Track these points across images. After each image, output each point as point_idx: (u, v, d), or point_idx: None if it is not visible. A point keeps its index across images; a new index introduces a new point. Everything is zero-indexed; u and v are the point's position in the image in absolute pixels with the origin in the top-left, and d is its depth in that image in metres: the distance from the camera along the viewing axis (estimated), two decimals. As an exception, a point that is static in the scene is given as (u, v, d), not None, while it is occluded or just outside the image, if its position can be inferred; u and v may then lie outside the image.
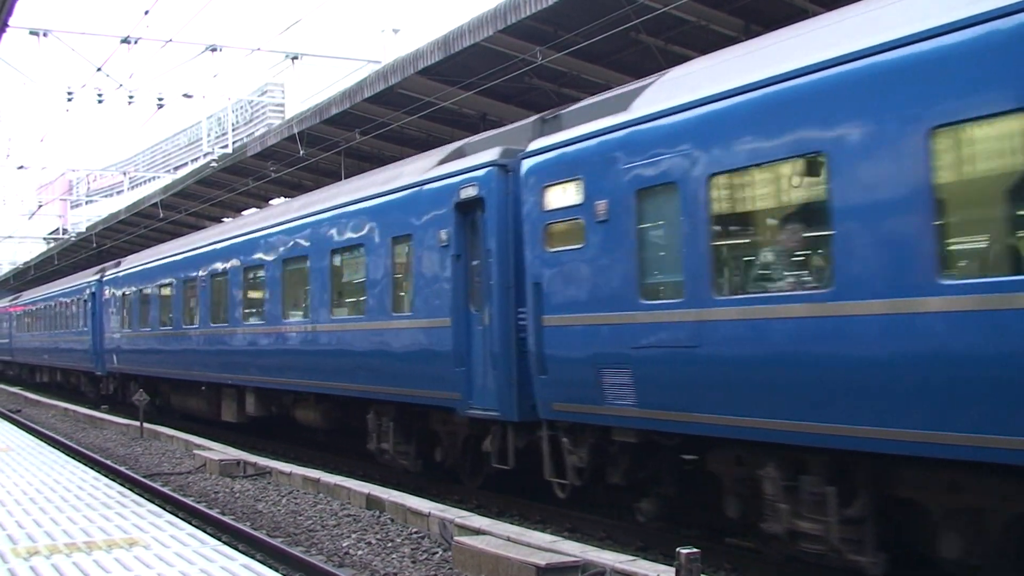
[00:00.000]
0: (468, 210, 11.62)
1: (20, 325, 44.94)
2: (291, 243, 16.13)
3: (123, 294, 26.47)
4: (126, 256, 31.05)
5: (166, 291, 22.90)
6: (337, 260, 14.86)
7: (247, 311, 17.97)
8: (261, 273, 17.35)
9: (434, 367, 12.00)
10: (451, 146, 13.28)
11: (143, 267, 25.20)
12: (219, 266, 19.31)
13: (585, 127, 9.64)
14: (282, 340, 16.23)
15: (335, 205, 14.95)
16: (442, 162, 12.49)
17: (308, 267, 15.41)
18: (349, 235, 14.28)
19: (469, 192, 11.46)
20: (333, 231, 14.78)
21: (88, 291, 30.43)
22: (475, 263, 11.60)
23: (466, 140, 13.04)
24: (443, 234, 11.89)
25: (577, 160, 9.58)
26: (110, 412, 27.02)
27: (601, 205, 9.17)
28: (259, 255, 17.35)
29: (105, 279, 28.74)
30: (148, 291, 24.29)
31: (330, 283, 14.95)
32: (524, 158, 10.45)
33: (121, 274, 27.17)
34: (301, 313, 15.88)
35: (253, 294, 17.95)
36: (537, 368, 10.05)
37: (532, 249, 10.19)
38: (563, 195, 9.73)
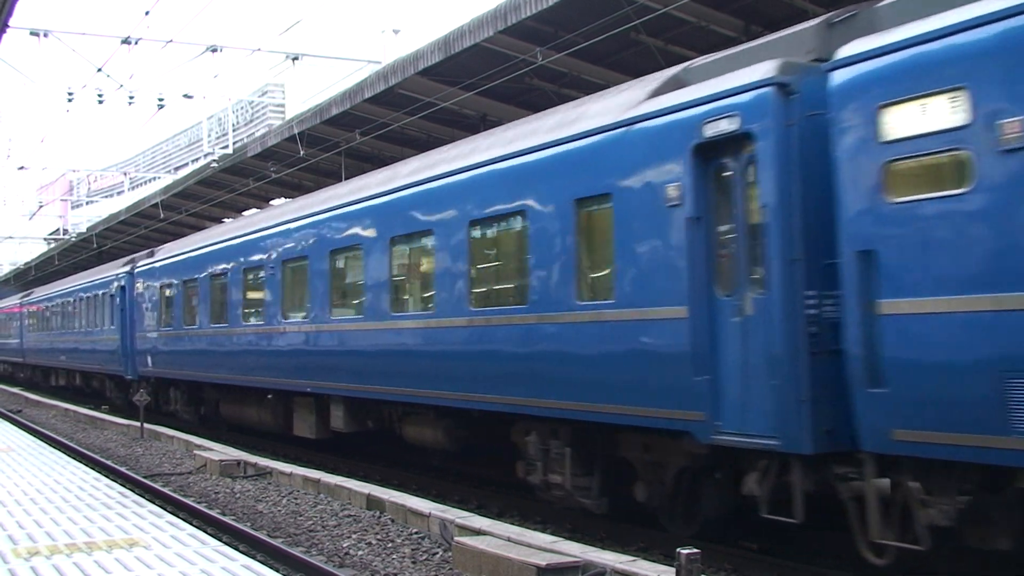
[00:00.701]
0: (714, 154, 8.47)
1: (32, 324, 42.04)
2: (403, 217, 12.98)
3: (161, 287, 23.13)
4: (153, 248, 29.07)
5: (220, 282, 19.43)
6: (478, 233, 11.59)
7: (337, 304, 14.89)
8: (355, 257, 14.26)
9: (651, 374, 8.84)
10: (658, 76, 9.87)
11: (189, 255, 21.58)
12: (296, 250, 16.00)
13: (971, 8, 6.66)
14: (390, 339, 13.18)
15: (472, 164, 11.65)
16: (656, 94, 9.18)
17: (431, 246, 12.33)
18: (499, 203, 11.00)
19: (722, 127, 8.28)
20: (470, 198, 11.54)
21: (116, 285, 27.17)
22: (722, 229, 8.45)
23: (683, 66, 9.75)
24: (670, 190, 8.65)
25: (956, 59, 6.60)
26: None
27: (1013, 125, 6.24)
28: (353, 232, 14.21)
29: (138, 271, 25.37)
30: (195, 282, 20.84)
31: (468, 265, 11.54)
32: (835, 68, 7.35)
33: (158, 264, 23.71)
34: (417, 306, 12.89)
35: (344, 284, 14.98)
36: (865, 377, 7.00)
37: (856, 202, 7.13)
38: (923, 116, 6.80)
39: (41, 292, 41.53)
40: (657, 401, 8.76)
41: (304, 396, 16.13)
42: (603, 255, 9.69)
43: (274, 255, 16.73)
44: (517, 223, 10.83)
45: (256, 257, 17.54)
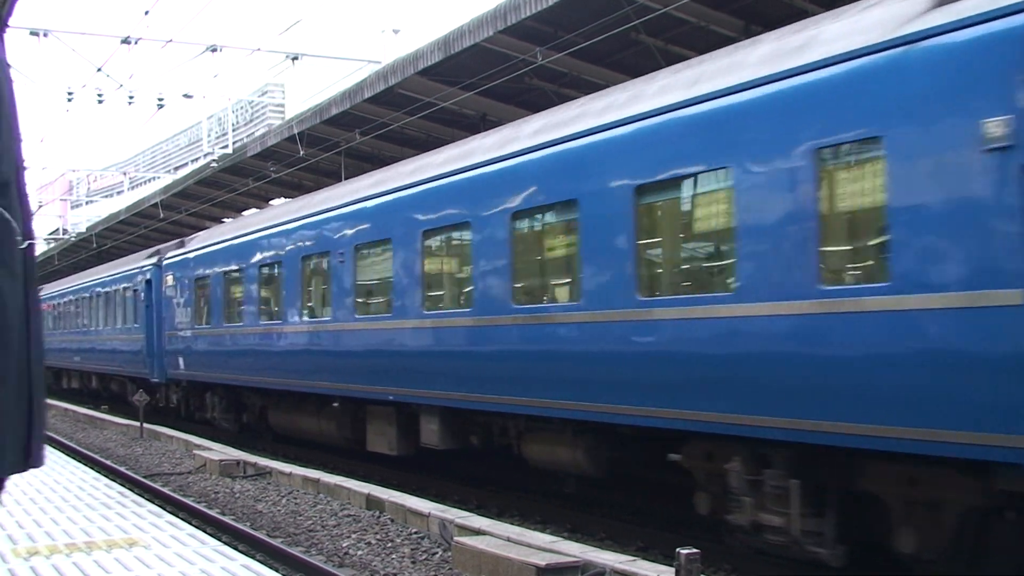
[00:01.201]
0: None
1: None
2: (537, 185, 10.19)
3: (196, 280, 20.56)
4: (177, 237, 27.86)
5: (272, 272, 16.88)
6: (686, 193, 8.75)
7: (433, 296, 12.31)
8: (458, 239, 11.86)
9: (952, 382, 6.38)
10: None
11: (232, 243, 18.88)
12: (374, 232, 13.45)
13: None
14: (509, 338, 10.57)
15: (647, 112, 8.91)
16: (943, 2, 6.83)
17: (579, 219, 9.57)
18: (698, 161, 8.41)
19: None
20: (635, 159, 8.97)
21: (140, 279, 24.80)
22: None
23: None
24: (991, 127, 6.19)
25: None
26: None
27: None
28: (456, 210, 11.55)
29: (167, 263, 22.77)
30: (240, 274, 18.21)
31: (634, 243, 8.94)
32: None
33: (192, 255, 21.08)
34: (558, 296, 10.36)
35: (442, 271, 12.49)
36: None
37: None
38: None
39: (51, 289, 38.87)
40: (949, 420, 6.35)
41: (382, 405, 13.64)
42: (866, 223, 7.29)
43: (344, 239, 14.11)
44: (717, 180, 8.28)
45: (320, 242, 14.94)
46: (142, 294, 24.47)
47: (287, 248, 16.12)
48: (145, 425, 21.46)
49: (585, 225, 9.46)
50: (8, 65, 2.19)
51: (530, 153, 10.32)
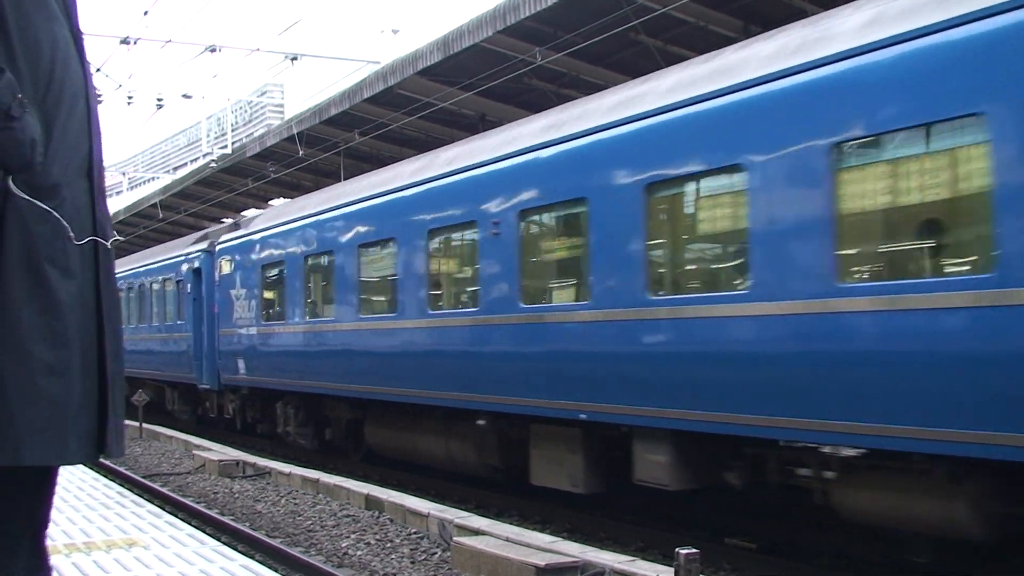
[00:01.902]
0: None
1: None
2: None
3: (267, 266, 16.90)
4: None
5: (381, 253, 13.29)
6: None
7: (672, 278, 8.93)
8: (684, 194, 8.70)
9: None
10: None
11: (316, 219, 15.07)
12: (557, 189, 9.88)
13: None
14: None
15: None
16: None
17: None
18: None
19: None
20: None
21: (186, 268, 21.39)
22: None
23: None
24: None
25: None
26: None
27: None
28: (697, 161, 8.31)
29: (222, 247, 19.16)
30: (329, 257, 14.53)
31: None
32: None
33: (258, 236, 17.36)
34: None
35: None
36: None
37: None
38: None
39: None
40: None
41: (563, 425, 10.15)
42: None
43: (502, 204, 10.52)
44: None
45: (464, 209, 11.29)
46: (188, 285, 21.06)
47: (407, 220, 12.36)
48: (144, 425, 21.45)
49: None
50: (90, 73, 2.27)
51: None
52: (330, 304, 14.79)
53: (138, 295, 25.95)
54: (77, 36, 2.22)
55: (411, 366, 12.32)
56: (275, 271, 16.83)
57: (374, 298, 13.69)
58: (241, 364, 17.89)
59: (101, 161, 2.24)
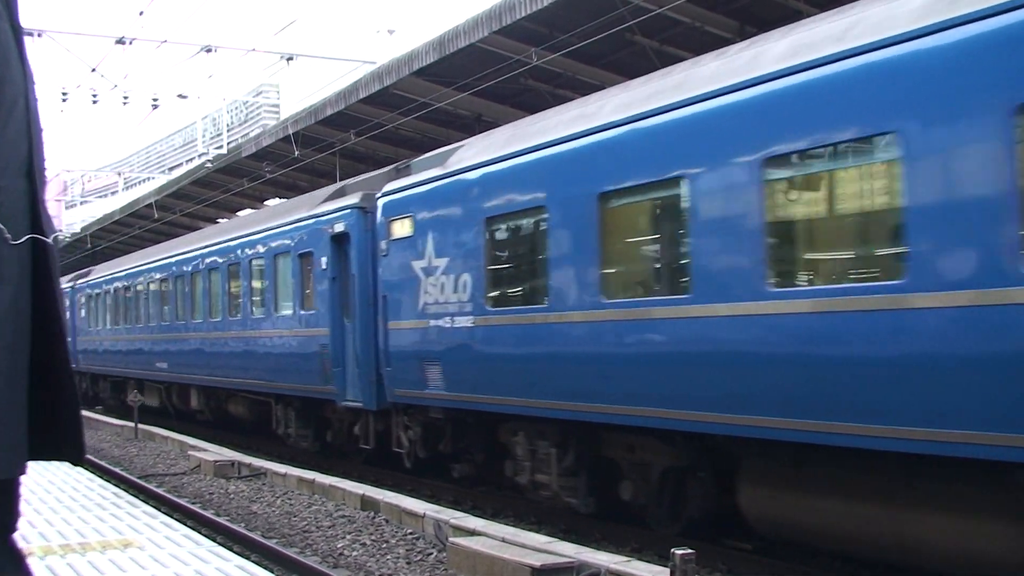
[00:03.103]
0: None
1: (94, 314, 30.14)
2: None
3: (492, 220, 10.99)
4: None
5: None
6: None
7: None
8: None
9: None
10: None
11: (599, 135, 9.33)
12: None
13: None
14: None
15: None
16: None
17: None
18: None
19: None
20: None
21: (318, 235, 15.15)
22: None
23: None
24: None
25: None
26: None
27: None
28: None
29: (390, 199, 13.00)
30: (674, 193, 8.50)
31: None
32: None
33: (478, 173, 11.26)
34: None
35: None
36: None
37: None
38: None
39: (117, 267, 28.58)
40: None
41: None
42: None
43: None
44: None
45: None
46: (322, 260, 14.91)
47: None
48: (140, 426, 21.41)
49: None
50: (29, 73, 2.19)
51: None
52: (680, 275, 8.55)
53: (226, 276, 19.09)
54: (18, 32, 2.15)
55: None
56: (522, 223, 10.68)
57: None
58: (435, 375, 11.78)
59: (43, 161, 2.18)
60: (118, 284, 27.30)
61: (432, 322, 11.89)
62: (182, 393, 22.83)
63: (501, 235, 11.10)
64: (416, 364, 12.24)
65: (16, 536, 2.25)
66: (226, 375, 19.02)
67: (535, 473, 10.84)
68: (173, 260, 22.59)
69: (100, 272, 30.39)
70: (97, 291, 29.70)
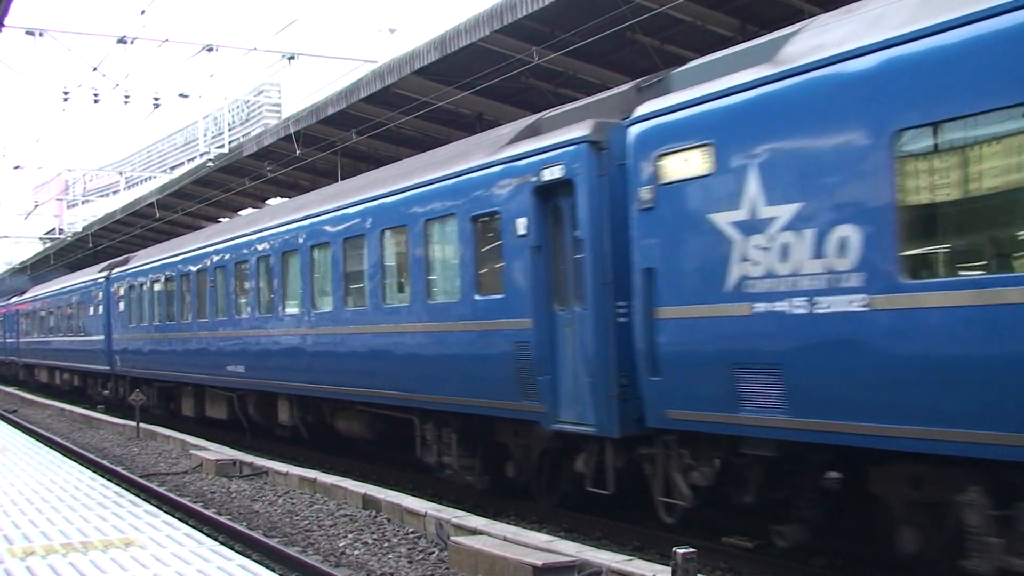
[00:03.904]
0: None
1: (137, 305, 24.52)
2: None
3: (912, 143, 6.64)
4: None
5: None
6: None
7: None
8: None
9: None
10: None
11: None
12: None
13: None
14: None
15: None
16: None
17: None
18: None
19: None
20: None
21: (516, 183, 10.71)
22: None
23: None
24: None
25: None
26: None
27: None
28: None
29: (677, 115, 8.63)
30: None
31: None
32: None
33: (869, 61, 6.89)
34: None
35: None
36: None
37: None
38: None
39: (170, 251, 23.00)
40: None
41: None
42: None
43: None
44: None
45: None
46: (519, 223, 10.64)
47: None
48: (141, 425, 21.42)
49: None
50: None
51: None
52: None
53: (339, 253, 14.39)
54: None
55: None
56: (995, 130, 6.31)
57: None
58: (765, 386, 7.76)
59: None
60: (171, 271, 21.97)
61: (759, 306, 7.76)
62: (264, 403, 18.02)
63: (933, 157, 6.61)
64: (720, 372, 8.15)
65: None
66: (338, 382, 14.45)
67: None
68: (253, 238, 17.57)
69: (145, 258, 24.88)
70: (141, 280, 24.21)
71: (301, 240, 15.64)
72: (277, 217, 17.14)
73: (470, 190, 11.46)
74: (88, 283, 29.59)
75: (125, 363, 25.59)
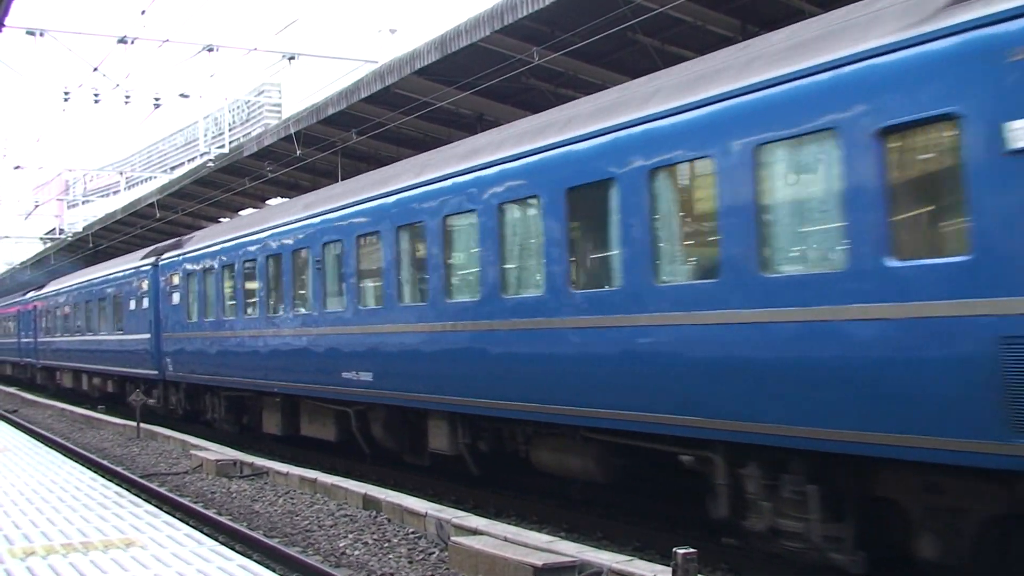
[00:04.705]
0: None
1: (196, 296, 20.03)
2: None
3: None
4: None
5: None
6: None
7: None
8: None
9: None
10: None
11: None
12: None
13: None
14: None
15: None
16: None
17: None
18: None
19: None
20: None
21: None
22: None
23: None
24: None
25: None
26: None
27: None
28: None
29: None
30: None
31: None
32: None
33: None
34: None
35: None
36: None
37: None
38: None
39: (247, 227, 18.11)
40: None
41: None
42: None
43: None
44: None
45: None
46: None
47: None
48: (142, 425, 21.41)
49: None
50: None
51: None
52: None
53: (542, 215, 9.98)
54: None
55: None
56: None
57: None
58: None
59: None
60: (253, 252, 17.24)
61: None
62: (396, 422, 13.67)
63: None
64: None
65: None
66: (550, 397, 9.84)
67: None
68: (394, 197, 12.78)
69: (209, 238, 20.21)
70: (207, 265, 19.41)
71: (482, 199, 10.92)
72: (443, 166, 12.06)
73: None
74: (128, 272, 24.78)
75: (179, 367, 21.04)
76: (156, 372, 22.50)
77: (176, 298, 21.22)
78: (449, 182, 11.68)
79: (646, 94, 9.09)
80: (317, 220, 14.91)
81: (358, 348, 13.61)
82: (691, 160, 8.29)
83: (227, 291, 18.53)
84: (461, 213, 11.40)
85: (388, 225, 12.87)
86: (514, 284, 10.63)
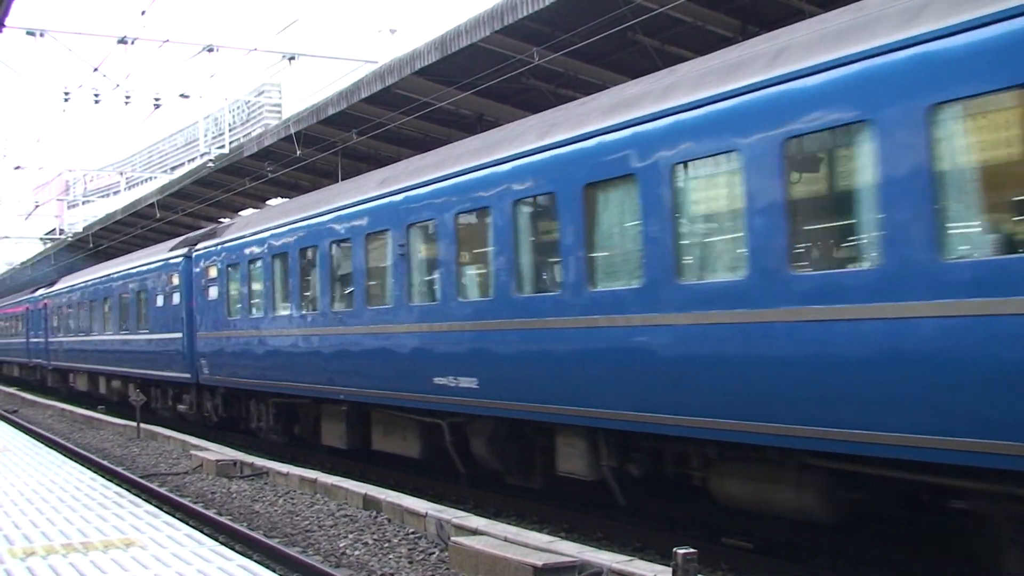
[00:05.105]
0: None
1: (240, 288, 17.77)
2: None
3: None
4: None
5: None
6: None
7: None
8: None
9: None
10: None
11: None
12: None
13: None
14: None
15: None
16: None
17: None
18: None
19: None
20: None
21: None
22: None
23: None
24: None
25: None
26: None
27: None
28: None
29: None
30: None
31: None
32: None
33: None
34: None
35: None
36: None
37: None
38: None
39: (277, 218, 16.70)
40: None
41: None
42: None
43: None
44: None
45: None
46: None
47: None
48: (142, 425, 21.41)
49: None
50: None
51: None
52: None
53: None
54: None
55: None
56: None
57: None
58: None
59: None
60: (310, 237, 15.01)
61: None
62: (502, 436, 11.50)
63: None
64: None
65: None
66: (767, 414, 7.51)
67: None
68: (511, 164, 10.41)
69: (254, 224, 17.87)
70: (252, 254, 17.20)
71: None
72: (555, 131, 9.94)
73: None
74: (156, 265, 22.53)
75: (217, 369, 18.91)
76: (189, 375, 20.38)
77: (213, 292, 19.03)
78: (595, 140, 9.19)
79: None
80: (399, 198, 12.50)
81: (456, 348, 11.26)
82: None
83: (278, 284, 16.18)
84: (610, 180, 8.94)
85: (506, 199, 10.31)
86: (698, 266, 8.22)
